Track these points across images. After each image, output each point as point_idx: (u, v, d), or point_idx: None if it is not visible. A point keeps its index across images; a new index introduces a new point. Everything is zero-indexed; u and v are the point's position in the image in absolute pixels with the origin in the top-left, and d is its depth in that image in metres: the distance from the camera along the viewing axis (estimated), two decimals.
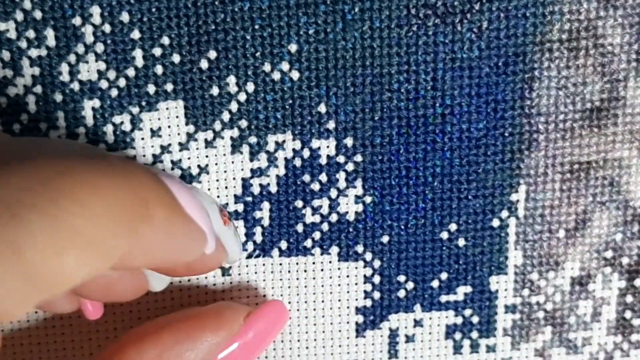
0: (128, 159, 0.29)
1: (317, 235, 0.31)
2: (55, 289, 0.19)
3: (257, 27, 0.29)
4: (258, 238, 0.31)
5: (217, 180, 0.30)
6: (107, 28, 0.28)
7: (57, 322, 0.31)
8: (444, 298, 0.32)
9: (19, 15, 0.28)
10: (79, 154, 0.23)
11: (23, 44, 0.28)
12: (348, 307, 0.32)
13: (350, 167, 0.31)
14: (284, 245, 0.31)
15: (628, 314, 0.33)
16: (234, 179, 0.31)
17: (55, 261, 0.19)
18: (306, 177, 0.31)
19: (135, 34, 0.29)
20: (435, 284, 0.32)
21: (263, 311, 0.30)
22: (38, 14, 0.28)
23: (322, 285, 0.32)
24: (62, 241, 0.19)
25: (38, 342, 0.31)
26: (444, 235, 0.31)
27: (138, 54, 0.29)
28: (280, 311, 0.30)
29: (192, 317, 0.29)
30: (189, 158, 0.30)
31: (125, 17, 0.28)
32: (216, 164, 0.30)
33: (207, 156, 0.30)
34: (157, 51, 0.29)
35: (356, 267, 0.32)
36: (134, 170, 0.22)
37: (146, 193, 0.22)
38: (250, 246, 0.31)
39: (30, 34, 0.28)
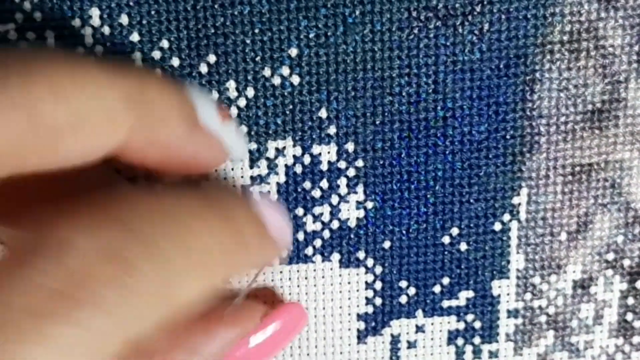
0: (219, 182, 0.30)
1: (318, 242, 0.31)
2: (164, 315, 0.21)
3: (257, 31, 0.29)
4: None
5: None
6: (106, 30, 0.28)
7: None
8: (445, 303, 0.32)
9: (19, 17, 0.27)
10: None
11: (23, 46, 0.27)
12: (349, 314, 0.32)
13: (351, 172, 0.30)
14: (284, 253, 0.31)
15: (630, 317, 0.33)
16: (233, 186, 0.30)
17: (162, 295, 0.21)
18: (307, 184, 0.30)
19: (135, 37, 0.28)
20: (437, 289, 0.32)
21: (281, 312, 0.29)
22: (38, 16, 0.27)
23: (324, 293, 0.31)
24: (169, 277, 0.21)
25: None
26: (446, 239, 0.31)
27: (137, 56, 0.28)
28: (298, 314, 0.30)
29: (209, 311, 0.28)
30: None
31: (124, 19, 0.28)
32: (216, 170, 0.30)
33: None
34: (157, 54, 0.28)
35: (357, 274, 0.31)
36: (223, 197, 0.24)
37: (238, 221, 0.23)
38: None
39: (30, 35, 0.27)
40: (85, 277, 0.19)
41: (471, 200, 0.31)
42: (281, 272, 0.31)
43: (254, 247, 0.24)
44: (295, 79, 0.29)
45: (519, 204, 0.31)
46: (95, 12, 0.28)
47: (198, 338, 0.28)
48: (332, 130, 0.30)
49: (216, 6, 0.28)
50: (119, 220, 0.20)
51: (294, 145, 0.30)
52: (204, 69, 0.29)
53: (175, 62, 0.28)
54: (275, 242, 0.25)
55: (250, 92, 0.29)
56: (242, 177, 0.30)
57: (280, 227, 0.25)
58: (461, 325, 0.32)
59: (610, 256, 0.32)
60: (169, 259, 0.21)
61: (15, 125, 0.20)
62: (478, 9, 0.29)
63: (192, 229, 0.22)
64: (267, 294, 0.31)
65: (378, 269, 0.31)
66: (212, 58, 0.29)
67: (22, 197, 0.22)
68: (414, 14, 0.29)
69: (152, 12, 0.28)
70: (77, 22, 0.28)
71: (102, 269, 0.19)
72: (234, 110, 0.29)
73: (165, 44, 0.28)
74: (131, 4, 0.28)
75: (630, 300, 0.32)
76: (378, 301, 0.32)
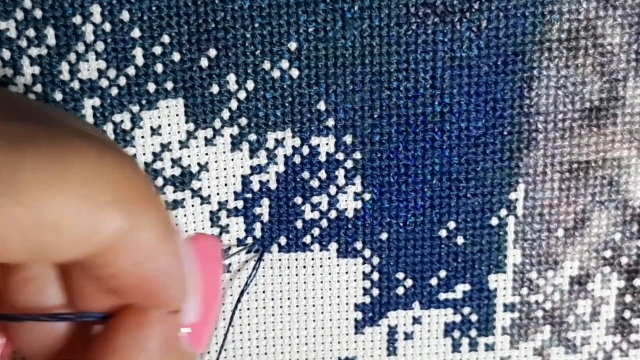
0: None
1: (316, 231, 0.31)
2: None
3: (257, 25, 0.29)
4: (257, 234, 0.31)
5: (217, 178, 0.31)
6: (107, 27, 0.29)
7: None
8: (442, 296, 0.32)
9: (19, 14, 0.28)
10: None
11: (23, 43, 0.28)
12: (347, 304, 0.32)
13: (349, 164, 0.31)
14: (283, 241, 0.31)
15: (627, 314, 0.32)
16: (233, 176, 0.31)
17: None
18: (305, 174, 0.31)
19: (136, 33, 0.29)
20: (434, 281, 0.32)
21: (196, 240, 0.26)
22: (38, 13, 0.28)
23: (321, 282, 0.32)
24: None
25: None
26: (443, 233, 0.32)
27: (138, 52, 0.29)
28: (213, 242, 0.27)
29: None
30: (189, 156, 0.30)
31: (125, 15, 0.29)
32: (216, 161, 0.30)
33: (207, 154, 0.30)
34: (157, 50, 0.29)
35: (355, 264, 0.32)
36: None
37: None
38: (250, 242, 0.31)
39: (31, 32, 0.28)
40: None
41: (468, 195, 0.31)
42: (280, 260, 0.32)
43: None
44: (295, 72, 0.30)
45: (516, 200, 0.31)
46: (96, 9, 0.28)
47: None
48: (330, 122, 0.30)
49: (216, 1, 0.29)
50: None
51: (293, 137, 0.30)
52: (204, 62, 0.29)
53: (176, 57, 0.29)
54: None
55: (250, 84, 0.30)
56: (242, 167, 0.31)
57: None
58: (458, 318, 0.33)
59: (608, 253, 0.32)
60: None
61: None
62: (476, 6, 0.29)
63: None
64: None
65: (375, 260, 0.32)
66: (212, 52, 0.29)
67: None
68: (412, 10, 0.29)
69: (153, 8, 0.29)
70: (77, 19, 0.28)
71: None
72: (234, 103, 0.30)
73: (166, 39, 0.29)
74: (132, 0, 0.28)
75: (628, 298, 0.32)
76: (375, 292, 0.32)
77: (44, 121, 0.21)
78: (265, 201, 0.31)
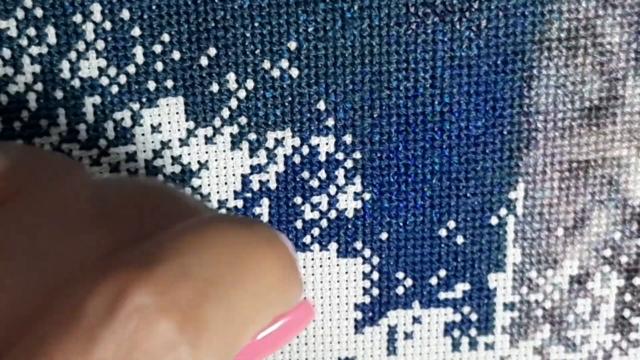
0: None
1: (316, 231, 0.31)
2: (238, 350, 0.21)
3: (256, 24, 0.29)
4: None
5: (217, 177, 0.31)
6: (107, 25, 0.29)
7: None
8: (442, 295, 0.32)
9: (20, 13, 0.28)
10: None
11: (24, 42, 0.28)
12: (347, 304, 0.32)
13: (349, 164, 0.31)
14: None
15: (627, 313, 0.33)
16: (233, 175, 0.31)
17: (243, 332, 0.21)
18: (305, 174, 0.31)
19: (136, 31, 0.29)
20: (433, 281, 0.32)
21: (293, 309, 0.29)
22: (39, 12, 0.28)
23: (321, 282, 0.32)
24: (251, 313, 0.21)
25: None
26: (443, 232, 0.32)
27: (138, 51, 0.29)
28: (307, 310, 0.30)
29: None
30: (188, 154, 0.30)
31: (125, 14, 0.29)
32: (216, 160, 0.31)
33: (206, 152, 0.30)
34: (158, 48, 0.29)
35: (355, 264, 0.32)
36: (278, 235, 0.23)
37: (292, 260, 0.23)
38: None
39: (31, 31, 0.28)
40: (195, 307, 0.19)
41: (468, 194, 0.31)
42: None
43: (296, 284, 0.23)
44: (294, 72, 0.30)
45: (516, 199, 0.31)
46: (96, 8, 0.28)
47: None
48: (330, 122, 0.30)
49: (216, 0, 0.29)
50: (213, 245, 0.20)
51: (293, 136, 0.30)
52: (204, 61, 0.29)
53: (176, 55, 0.29)
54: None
55: (250, 84, 0.30)
56: (241, 166, 0.31)
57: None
58: (457, 317, 0.33)
59: (607, 252, 0.32)
60: (238, 307, 0.20)
61: None
62: (476, 5, 0.29)
63: (254, 269, 0.21)
64: None
65: (375, 260, 0.32)
66: (212, 51, 0.29)
67: None
68: (412, 9, 0.29)
69: (153, 7, 0.29)
70: (78, 17, 0.28)
71: (207, 299, 0.19)
72: (234, 102, 0.30)
73: (166, 37, 0.29)
74: None
75: (628, 297, 0.32)
76: (375, 292, 0.32)
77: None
78: (265, 201, 0.31)
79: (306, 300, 0.30)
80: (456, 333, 0.33)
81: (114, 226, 0.21)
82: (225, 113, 0.30)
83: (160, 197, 0.23)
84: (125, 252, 0.20)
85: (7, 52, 0.28)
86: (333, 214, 0.31)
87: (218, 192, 0.31)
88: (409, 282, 0.32)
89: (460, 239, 0.32)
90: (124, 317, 0.18)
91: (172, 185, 0.28)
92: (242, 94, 0.30)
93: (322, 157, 0.31)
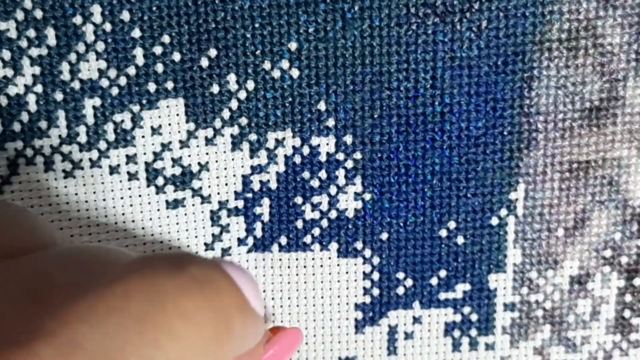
0: (197, 257, 0.29)
1: (316, 231, 0.31)
2: None
3: (257, 25, 0.29)
4: (258, 233, 0.31)
5: (218, 178, 0.31)
6: (107, 27, 0.29)
7: None
8: (442, 295, 0.32)
9: (20, 15, 0.28)
10: (153, 259, 0.22)
11: (24, 43, 0.28)
12: (347, 304, 0.32)
13: (349, 164, 0.31)
14: (283, 241, 0.31)
15: (627, 313, 0.33)
16: (234, 175, 0.31)
17: None
18: (306, 174, 0.31)
19: (136, 33, 0.29)
20: (434, 281, 0.32)
21: (282, 337, 0.29)
22: (39, 13, 0.28)
23: (322, 282, 0.32)
24: None
25: None
26: (443, 233, 0.32)
27: (139, 52, 0.29)
28: (296, 337, 0.30)
29: None
30: (189, 155, 0.30)
31: (125, 15, 0.29)
32: (216, 161, 0.31)
33: (207, 153, 0.30)
34: (158, 49, 0.29)
35: (355, 264, 0.32)
36: (212, 277, 0.21)
37: (226, 304, 0.21)
38: (250, 241, 0.31)
39: (31, 33, 0.28)
40: None
41: (468, 195, 0.31)
42: (280, 259, 0.32)
43: (238, 329, 0.22)
44: (295, 72, 0.30)
45: (516, 200, 0.31)
46: (96, 9, 0.28)
47: None
48: (330, 122, 0.30)
49: (217, 1, 0.29)
50: (115, 313, 0.19)
51: (294, 137, 0.30)
52: (204, 62, 0.29)
53: (177, 56, 0.29)
54: (258, 314, 0.23)
55: (250, 84, 0.30)
56: (242, 166, 0.31)
57: (255, 294, 0.23)
58: (458, 318, 0.33)
59: (608, 253, 0.32)
60: (157, 357, 0.19)
61: None
62: (476, 6, 0.29)
63: (186, 319, 0.20)
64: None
65: (375, 260, 0.32)
66: (213, 52, 0.29)
67: None
68: (413, 10, 0.29)
69: (154, 8, 0.29)
70: (78, 19, 0.28)
71: None
72: (234, 103, 0.30)
73: (166, 39, 0.29)
74: (132, 0, 0.28)
75: (628, 298, 0.32)
76: (376, 292, 0.32)
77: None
78: (266, 201, 0.31)
79: (296, 328, 0.31)
80: (456, 333, 0.33)
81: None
82: (226, 114, 0.30)
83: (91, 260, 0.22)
84: (14, 328, 0.19)
85: (7, 54, 0.28)
86: (333, 214, 0.31)
87: (219, 193, 0.31)
88: (409, 282, 0.32)
89: (460, 240, 0.32)
90: None
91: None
92: (242, 94, 0.30)
93: (323, 158, 0.31)
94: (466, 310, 0.32)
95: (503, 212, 0.31)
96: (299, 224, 0.31)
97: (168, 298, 0.20)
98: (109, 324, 0.19)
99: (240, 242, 0.31)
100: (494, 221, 0.31)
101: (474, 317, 0.33)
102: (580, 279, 0.32)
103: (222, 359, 0.21)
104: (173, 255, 0.22)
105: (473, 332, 0.33)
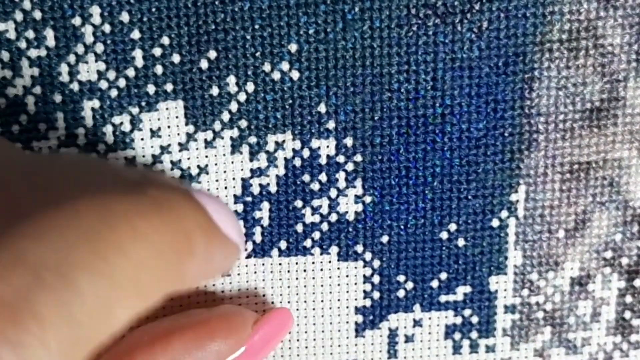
0: (158, 176, 0.28)
1: (316, 235, 0.31)
2: (104, 341, 0.19)
3: (257, 27, 0.29)
4: (257, 238, 0.31)
5: (217, 181, 0.30)
6: (106, 28, 0.28)
7: None
8: (443, 298, 0.32)
9: (19, 16, 0.28)
10: (109, 181, 0.22)
11: (22, 45, 0.28)
12: (347, 307, 0.32)
13: (350, 167, 0.31)
14: (283, 245, 0.31)
15: (627, 314, 0.33)
16: (233, 179, 0.31)
17: (104, 319, 0.19)
18: (306, 177, 0.31)
19: (135, 34, 0.29)
20: (434, 284, 0.32)
21: (270, 318, 0.30)
22: (37, 14, 0.28)
23: (322, 285, 0.32)
24: (110, 297, 0.19)
25: None
26: (444, 235, 0.31)
27: (138, 54, 0.29)
28: (286, 317, 0.30)
29: (201, 324, 0.29)
30: (188, 158, 0.30)
31: (125, 17, 0.28)
32: (216, 164, 0.30)
33: (206, 156, 0.30)
34: (157, 51, 0.29)
35: (355, 267, 0.32)
36: (173, 199, 0.21)
37: (187, 224, 0.21)
38: (249, 246, 0.31)
39: (30, 34, 0.28)
40: (26, 298, 0.17)
41: (469, 197, 0.31)
42: (280, 264, 0.31)
43: (201, 251, 0.22)
44: (295, 74, 0.30)
45: (517, 201, 0.31)
46: (95, 10, 0.28)
47: (192, 353, 0.28)
48: (331, 125, 0.30)
49: (216, 2, 0.29)
50: (62, 230, 0.19)
51: (294, 139, 0.30)
52: (204, 64, 0.29)
53: (176, 58, 0.29)
54: (229, 239, 0.23)
55: (250, 87, 0.30)
56: (242, 169, 0.30)
57: (230, 221, 0.23)
58: (458, 320, 0.32)
59: (608, 254, 0.32)
60: (112, 273, 0.19)
61: None
62: (477, 7, 0.29)
63: (138, 237, 0.20)
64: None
65: (376, 263, 0.32)
66: (212, 54, 0.29)
67: None
68: (413, 11, 0.29)
69: (153, 9, 0.28)
70: (77, 20, 0.28)
71: (42, 287, 0.18)
72: (234, 105, 0.30)
73: (166, 40, 0.29)
74: (132, 1, 0.28)
75: (629, 299, 0.32)
76: (376, 295, 0.32)
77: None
78: (266, 204, 0.31)
79: (285, 308, 0.31)
80: (457, 336, 0.33)
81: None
82: (226, 116, 0.30)
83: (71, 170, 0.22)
84: None
85: (5, 55, 0.28)
86: (334, 217, 0.31)
87: (218, 197, 0.30)
88: (409, 285, 0.32)
89: (461, 242, 0.32)
90: None
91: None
92: (242, 97, 0.30)
93: (323, 160, 0.31)
94: (467, 312, 0.32)
95: (504, 213, 0.31)
96: (299, 227, 0.31)
97: (120, 217, 0.20)
98: (56, 240, 0.18)
99: None
100: (495, 223, 0.31)
101: (474, 320, 0.32)
102: (581, 281, 0.32)
103: (185, 279, 0.21)
104: (136, 178, 0.22)
105: (474, 334, 0.33)
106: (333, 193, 0.31)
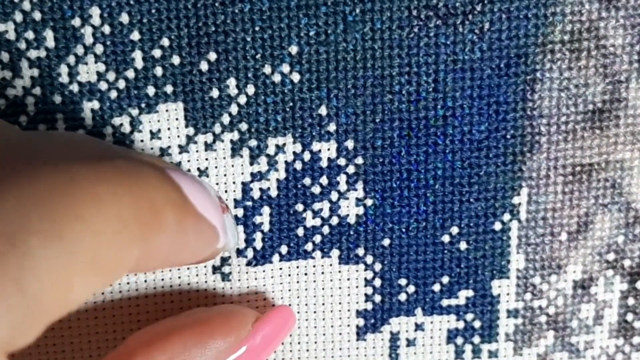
0: (134, 153, 0.28)
1: (317, 238, 0.31)
2: (59, 314, 0.19)
3: (257, 28, 0.29)
4: (258, 244, 0.31)
5: (217, 184, 0.30)
6: (106, 29, 0.28)
7: (55, 324, 0.31)
8: (445, 302, 0.32)
9: (18, 17, 0.28)
10: (81, 155, 0.22)
11: (22, 45, 0.28)
12: (349, 310, 0.32)
13: (351, 169, 0.30)
14: (284, 249, 0.31)
15: (630, 317, 0.32)
16: (233, 182, 0.30)
17: (60, 290, 0.18)
18: (307, 181, 0.30)
19: (135, 36, 0.28)
20: (436, 287, 0.32)
21: (271, 316, 0.30)
22: (37, 15, 0.28)
23: (323, 289, 0.32)
24: (67, 267, 0.18)
25: (37, 345, 0.31)
26: (446, 238, 0.31)
27: (138, 55, 0.29)
28: (287, 316, 0.30)
29: (200, 322, 0.28)
30: (188, 161, 0.30)
31: (125, 18, 0.28)
32: (216, 167, 0.30)
33: (206, 159, 0.30)
34: (157, 53, 0.29)
35: (357, 270, 0.31)
36: (140, 171, 0.21)
37: (154, 196, 0.21)
38: (250, 253, 0.31)
39: (30, 35, 0.28)
40: None
41: (471, 200, 0.31)
42: (280, 268, 0.31)
43: (171, 225, 0.21)
44: (296, 77, 0.29)
45: (519, 204, 0.31)
46: (95, 11, 0.28)
47: (192, 352, 0.27)
48: (332, 127, 0.30)
49: (217, 4, 0.28)
50: (19, 197, 0.18)
51: (294, 142, 0.30)
52: (204, 66, 0.29)
53: (176, 60, 0.29)
54: (206, 220, 0.22)
55: (250, 89, 0.29)
56: (242, 173, 0.30)
57: (207, 202, 0.23)
58: (461, 325, 0.32)
59: (611, 256, 0.32)
60: (67, 240, 0.18)
61: None
62: (478, 8, 0.29)
63: (97, 205, 0.19)
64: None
65: (377, 266, 0.31)
66: (212, 56, 0.29)
67: None
68: (414, 12, 0.29)
69: (153, 11, 0.28)
70: (77, 21, 0.28)
71: None
72: (234, 108, 0.29)
73: (165, 42, 0.29)
74: (132, 2, 0.28)
75: (631, 301, 0.32)
76: (377, 298, 0.32)
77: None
78: (266, 209, 0.31)
79: (286, 305, 0.30)
80: (459, 340, 0.32)
81: None
82: (226, 119, 0.30)
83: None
84: None
85: (5, 56, 0.28)
86: (335, 221, 0.31)
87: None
88: (411, 288, 0.32)
89: (463, 245, 0.31)
90: None
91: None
92: (242, 99, 0.29)
93: (324, 163, 0.30)
94: (469, 317, 0.32)
95: (506, 216, 0.31)
96: (300, 231, 0.31)
97: (82, 184, 0.19)
98: (12, 204, 0.18)
99: (240, 253, 0.31)
100: (497, 226, 0.31)
101: (477, 324, 0.32)
102: (584, 284, 0.32)
103: (150, 257, 0.21)
104: (110, 152, 0.22)
105: (476, 339, 0.32)
106: (334, 196, 0.31)
